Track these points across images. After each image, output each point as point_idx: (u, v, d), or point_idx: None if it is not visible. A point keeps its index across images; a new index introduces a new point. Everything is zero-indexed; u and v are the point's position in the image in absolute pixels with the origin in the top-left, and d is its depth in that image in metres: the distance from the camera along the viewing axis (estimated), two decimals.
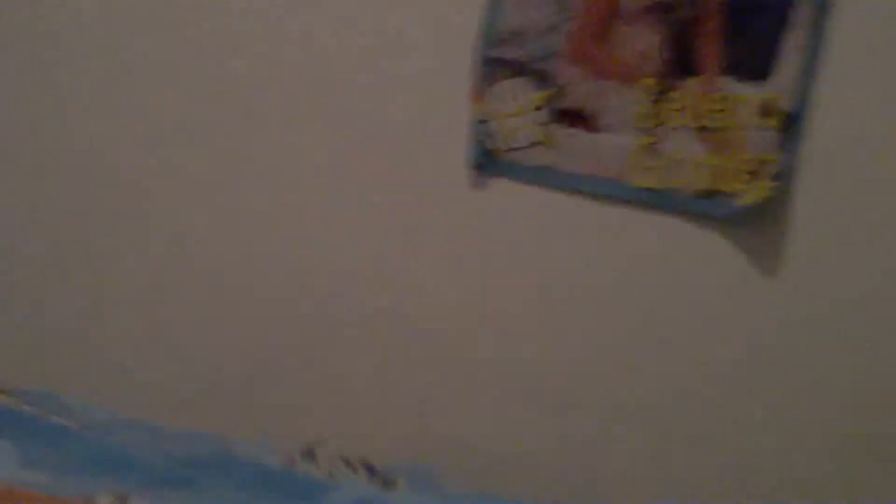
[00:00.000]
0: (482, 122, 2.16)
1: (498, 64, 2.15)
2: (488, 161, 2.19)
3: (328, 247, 2.24)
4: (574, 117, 2.15)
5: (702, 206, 2.14)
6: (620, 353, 2.19)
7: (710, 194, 2.13)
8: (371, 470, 1.74)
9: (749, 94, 2.03)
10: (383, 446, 2.03)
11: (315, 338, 2.23)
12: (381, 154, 2.23)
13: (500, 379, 2.21)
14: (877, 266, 2.09)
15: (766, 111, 2.03)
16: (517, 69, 2.14)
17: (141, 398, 2.21)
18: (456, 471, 2.01)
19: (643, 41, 2.08)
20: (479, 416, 2.21)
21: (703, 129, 2.12)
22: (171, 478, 1.38)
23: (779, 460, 2.11)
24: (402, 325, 2.21)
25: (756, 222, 2.12)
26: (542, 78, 2.13)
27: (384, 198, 2.23)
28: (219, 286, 2.26)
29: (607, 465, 2.18)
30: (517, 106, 2.18)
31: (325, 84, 2.22)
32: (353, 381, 2.22)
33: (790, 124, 2.02)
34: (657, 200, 2.16)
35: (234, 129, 2.26)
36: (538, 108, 2.17)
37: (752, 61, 2.04)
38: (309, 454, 1.72)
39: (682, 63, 2.07)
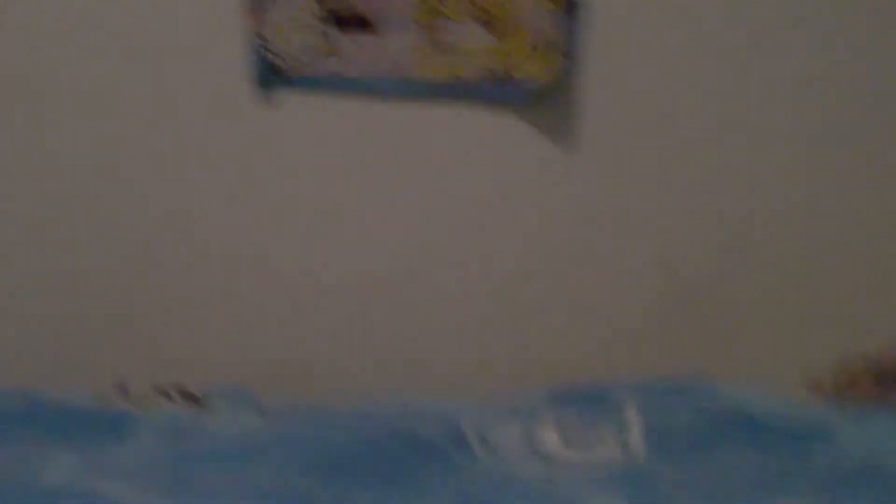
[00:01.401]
0: (261, 37, 2.12)
1: None
2: (273, 76, 2.15)
3: (129, 190, 2.18)
4: (355, 23, 2.13)
5: (493, 93, 2.14)
6: (431, 247, 2.19)
7: (499, 80, 2.13)
8: (188, 396, 1.71)
9: None
10: (203, 374, 1.99)
11: (132, 269, 2.18)
12: (159, 83, 2.17)
13: (311, 296, 2.19)
14: (667, 136, 2.13)
15: None
16: None
17: None
18: (279, 391, 1.99)
19: None
20: (299, 334, 2.19)
21: (485, 16, 2.11)
22: None
23: (584, 331, 2.15)
24: (221, 251, 2.17)
25: (548, 103, 2.14)
26: None
27: (168, 127, 2.17)
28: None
29: (433, 359, 2.19)
30: (295, 17, 2.14)
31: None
32: (164, 309, 2.18)
33: (572, 4, 2.03)
34: (448, 92, 2.15)
35: None
36: (318, 18, 2.13)
37: None
38: (122, 390, 1.69)
39: None
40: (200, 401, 1.66)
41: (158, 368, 1.88)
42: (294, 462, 1.09)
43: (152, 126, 2.17)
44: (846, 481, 1.25)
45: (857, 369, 2.06)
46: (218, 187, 2.17)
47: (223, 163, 2.16)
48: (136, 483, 1.00)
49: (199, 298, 2.18)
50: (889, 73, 2.13)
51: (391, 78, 2.13)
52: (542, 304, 2.18)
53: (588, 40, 2.06)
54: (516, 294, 2.17)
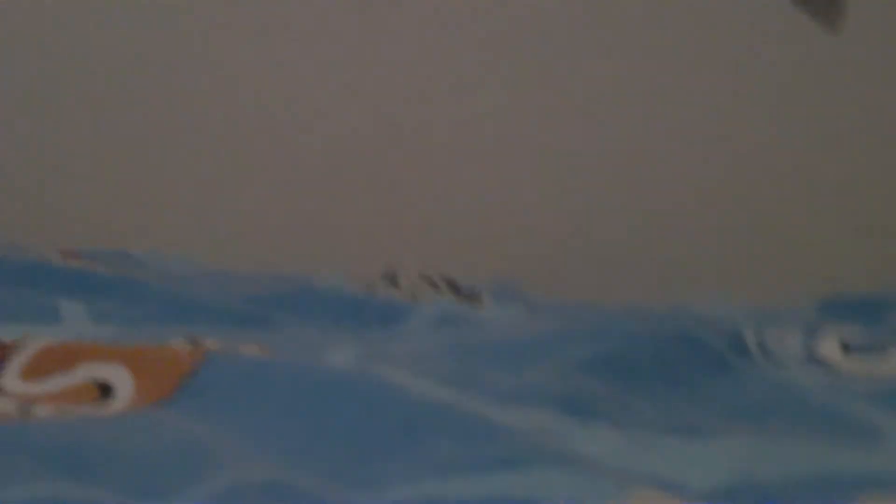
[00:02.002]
0: None
1: None
2: None
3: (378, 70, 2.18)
4: None
5: None
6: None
7: None
8: (455, 287, 1.72)
9: None
10: (467, 263, 2.01)
11: (379, 158, 2.20)
12: None
13: (570, 175, 2.16)
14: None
15: None
16: None
17: (215, 247, 2.20)
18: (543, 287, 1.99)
19: None
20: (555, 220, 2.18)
21: None
22: (246, 317, 1.37)
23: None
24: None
25: None
26: None
27: None
28: (272, 127, 2.22)
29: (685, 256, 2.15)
30: None
31: None
32: (424, 197, 2.19)
33: None
34: None
35: None
36: None
37: None
38: (390, 278, 1.71)
39: None
40: (468, 293, 1.67)
41: (426, 258, 1.90)
42: (572, 360, 1.07)
43: None
44: None
45: None
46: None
47: None
48: (419, 371, 1.00)
49: (455, 186, 2.19)
50: None
51: None
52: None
53: None
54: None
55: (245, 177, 2.25)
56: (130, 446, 0.81)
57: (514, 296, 1.66)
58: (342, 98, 2.22)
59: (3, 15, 2.18)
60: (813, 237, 2.15)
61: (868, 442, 1.02)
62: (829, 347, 1.29)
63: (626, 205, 2.20)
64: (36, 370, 0.95)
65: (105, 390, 0.92)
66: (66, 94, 2.27)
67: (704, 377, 1.16)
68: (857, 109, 2.13)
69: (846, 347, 1.29)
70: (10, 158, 2.22)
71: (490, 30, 2.19)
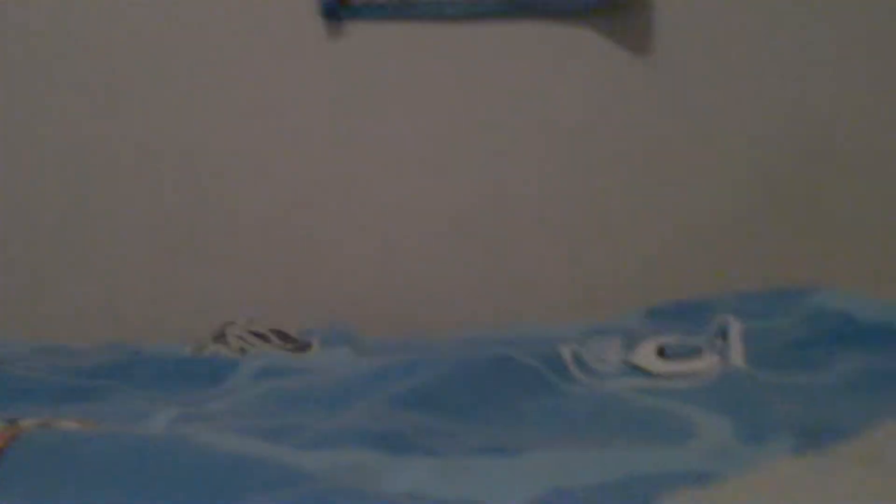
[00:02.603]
0: None
1: None
2: (338, 6, 2.13)
3: (200, 133, 2.18)
4: None
5: (561, 3, 2.11)
6: (513, 169, 2.17)
7: None
8: (284, 337, 1.72)
9: None
10: (299, 315, 2.01)
11: (202, 220, 2.19)
12: (229, 18, 2.16)
13: (389, 224, 2.18)
14: (745, 41, 2.08)
15: None
16: None
17: (56, 323, 2.17)
18: (378, 328, 2.00)
19: None
20: (392, 269, 2.20)
21: None
22: (72, 392, 1.35)
23: (672, 238, 2.12)
24: (278, 190, 2.17)
25: (622, 10, 2.10)
26: None
27: (240, 63, 2.17)
28: (97, 202, 2.20)
29: (529, 280, 2.18)
30: None
31: None
32: (256, 254, 2.19)
33: None
34: (521, 6, 2.12)
35: None
36: None
37: None
38: (219, 337, 1.70)
39: None
40: (298, 341, 1.67)
41: (255, 312, 1.89)
42: (389, 396, 1.08)
43: (220, 63, 2.16)
44: None
45: None
46: (289, 120, 2.17)
47: (294, 96, 2.15)
48: (234, 427, 1.00)
49: (283, 236, 2.19)
50: None
51: None
52: (631, 221, 2.15)
53: None
54: (604, 211, 2.15)
55: (76, 254, 2.23)
56: None
57: (345, 339, 1.66)
58: (158, 170, 2.21)
59: None
60: (636, 245, 2.19)
61: (682, 439, 1.04)
62: (645, 355, 1.32)
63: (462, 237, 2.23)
64: None
65: None
66: None
67: (521, 397, 1.18)
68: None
69: (662, 353, 1.32)
70: None
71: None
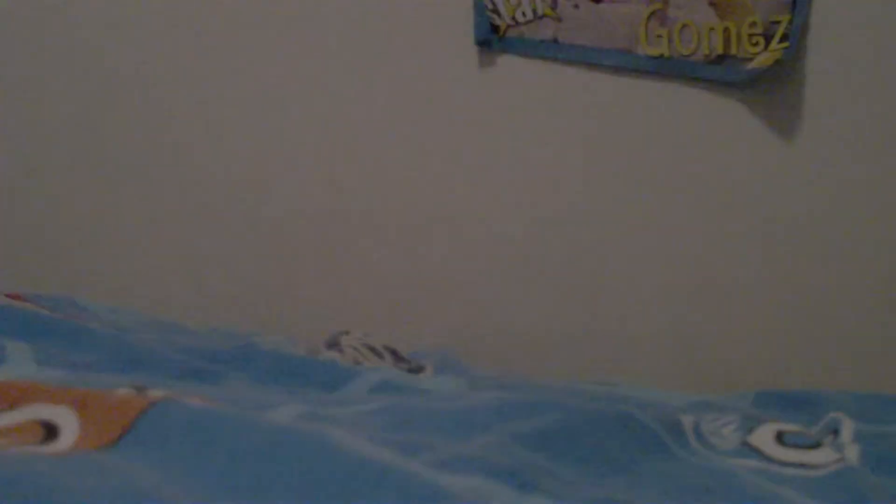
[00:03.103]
0: None
1: None
2: (494, 37, 2.16)
3: (342, 139, 2.21)
4: None
5: (713, 72, 2.12)
6: (636, 227, 2.17)
7: (720, 59, 2.10)
8: (397, 356, 1.73)
9: None
10: (410, 335, 2.03)
11: (337, 229, 2.22)
12: (384, 37, 2.19)
13: (520, 259, 2.19)
14: (891, 131, 2.07)
15: None
16: None
17: (163, 301, 2.21)
18: (482, 357, 2.01)
19: None
20: (504, 298, 2.20)
21: None
22: (191, 371, 1.37)
23: (803, 326, 2.10)
24: (417, 208, 2.20)
25: (770, 85, 2.10)
26: None
27: (391, 80, 2.20)
28: (230, 185, 2.24)
29: (629, 342, 2.17)
30: None
31: None
32: (377, 269, 2.21)
33: None
34: (667, 68, 2.13)
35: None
36: None
37: None
38: (334, 344, 1.71)
39: None
40: (411, 363, 1.67)
41: (366, 327, 1.91)
42: (513, 432, 1.08)
43: (373, 84, 2.20)
44: None
45: None
46: (431, 140, 2.19)
47: (442, 120, 2.17)
48: (360, 433, 1.01)
49: (417, 263, 2.21)
50: None
51: (611, 49, 2.12)
52: (756, 304, 2.14)
53: (814, 25, 2.00)
54: (727, 290, 2.14)
55: (197, 237, 2.26)
56: (71, 487, 0.81)
57: (455, 368, 1.67)
58: (295, 169, 2.25)
59: None
60: (756, 329, 2.18)
61: None
62: (764, 437, 1.31)
63: (570, 288, 2.23)
64: None
65: (50, 431, 0.91)
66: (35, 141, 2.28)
67: (641, 457, 1.17)
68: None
69: (781, 438, 1.31)
70: None
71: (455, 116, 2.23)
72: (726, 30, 2.15)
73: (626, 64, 2.20)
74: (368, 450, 0.95)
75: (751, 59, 2.12)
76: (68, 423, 0.92)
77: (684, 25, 2.17)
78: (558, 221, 2.22)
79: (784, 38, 2.08)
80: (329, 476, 0.88)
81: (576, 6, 2.20)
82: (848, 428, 1.48)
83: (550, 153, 2.23)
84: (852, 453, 1.35)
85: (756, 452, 1.28)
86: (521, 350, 2.19)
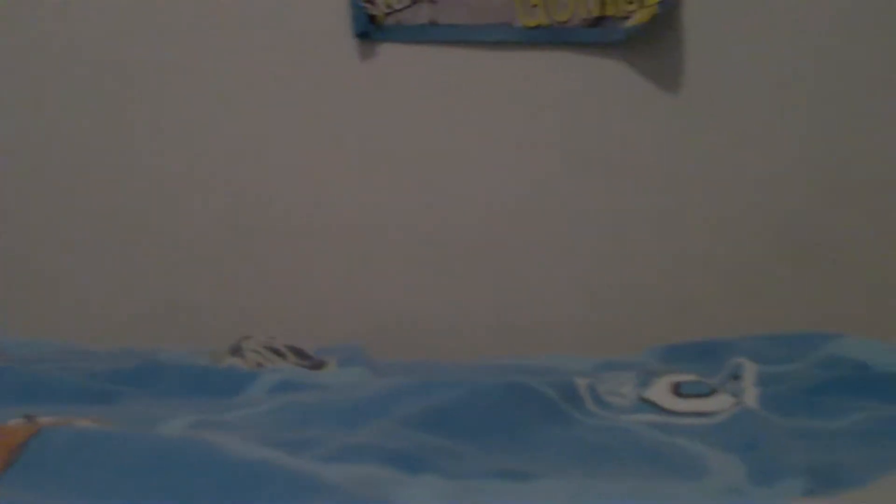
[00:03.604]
0: None
1: None
2: (371, 27, 2.15)
3: (239, 145, 2.20)
4: None
5: (592, 35, 2.13)
6: (533, 195, 2.18)
7: (598, 22, 2.11)
8: (301, 354, 1.73)
9: None
10: (319, 333, 2.02)
11: (231, 235, 2.20)
12: (265, 39, 2.18)
13: (418, 248, 2.19)
14: (776, 79, 2.09)
15: None
16: None
17: (75, 324, 2.18)
18: (395, 347, 2.01)
19: None
20: (409, 289, 2.20)
21: None
22: (89, 394, 1.36)
23: (689, 277, 2.13)
24: (309, 207, 2.19)
25: (649, 41, 2.11)
26: None
27: (274, 81, 2.19)
28: (128, 196, 2.21)
29: (546, 314, 2.19)
30: None
31: None
32: (276, 270, 2.20)
33: None
34: (547, 37, 2.14)
35: None
36: None
37: None
38: (236, 350, 1.71)
39: None
40: (314, 359, 1.67)
41: (272, 329, 1.90)
42: (403, 416, 1.09)
43: (256, 87, 2.18)
44: None
45: None
46: (320, 139, 2.18)
47: (325, 114, 2.16)
48: (249, 436, 1.01)
49: (306, 253, 2.20)
50: None
51: (489, 24, 2.12)
52: (649, 257, 2.16)
53: None
54: (622, 245, 2.16)
55: (99, 255, 2.24)
56: None
57: (360, 360, 1.67)
58: (192, 177, 2.23)
59: None
60: (649, 281, 2.20)
61: (694, 476, 1.05)
62: (659, 391, 1.33)
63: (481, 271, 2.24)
64: None
65: None
66: None
67: (536, 425, 1.18)
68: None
69: (677, 391, 1.32)
70: None
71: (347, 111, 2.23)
72: None
73: (506, 37, 2.20)
74: (253, 452, 0.95)
75: (627, 18, 2.14)
76: None
77: None
78: (454, 202, 2.22)
79: None
80: (212, 481, 0.88)
81: None
82: (750, 371, 1.50)
83: (439, 135, 2.23)
84: (751, 396, 1.36)
85: (653, 406, 1.29)
86: (436, 341, 2.19)
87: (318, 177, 2.20)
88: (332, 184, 2.20)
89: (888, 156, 2.17)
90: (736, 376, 1.49)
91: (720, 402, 1.26)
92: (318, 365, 1.65)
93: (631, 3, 2.13)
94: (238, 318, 2.16)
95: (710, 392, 1.29)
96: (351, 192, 2.20)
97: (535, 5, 2.18)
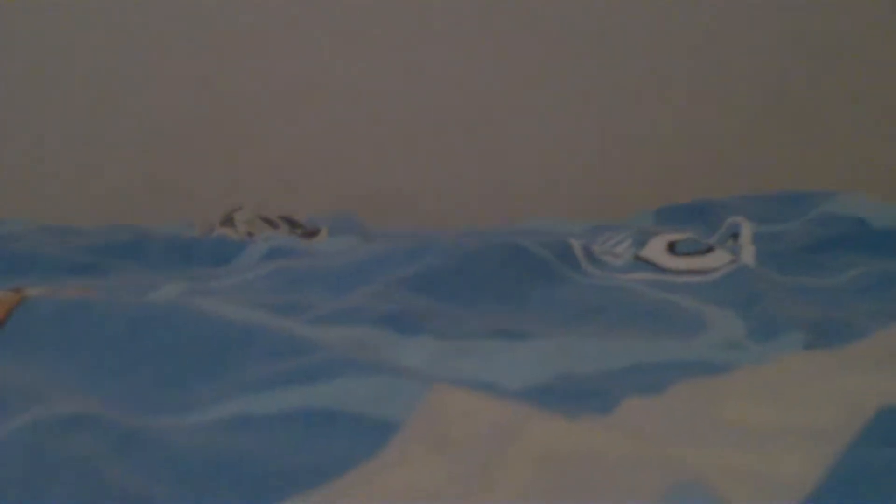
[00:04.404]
0: None
1: None
2: None
3: (230, 20, 2.15)
4: None
5: None
6: (518, 75, 2.15)
7: None
8: (293, 224, 1.71)
9: None
10: (319, 203, 2.01)
11: (227, 109, 2.17)
12: None
13: (408, 116, 2.16)
14: None
15: None
16: None
17: (59, 203, 2.16)
18: (384, 216, 2.00)
19: None
20: (399, 157, 2.18)
21: None
22: (79, 267, 1.35)
23: (678, 143, 2.11)
24: (310, 88, 2.15)
25: None
26: None
27: None
28: (117, 76, 2.17)
29: (535, 181, 2.17)
30: None
31: None
32: (272, 146, 2.17)
33: None
34: None
35: None
36: None
37: None
38: (227, 221, 1.69)
39: None
40: (306, 228, 1.66)
41: (263, 199, 1.88)
42: (396, 279, 1.07)
43: None
44: None
45: None
46: (308, 13, 2.13)
47: None
48: (239, 301, 0.99)
49: (295, 127, 2.17)
50: None
51: None
52: (638, 125, 2.13)
53: None
54: (609, 114, 2.13)
55: (89, 136, 2.20)
56: None
57: (352, 228, 1.65)
58: (172, 53, 2.19)
59: None
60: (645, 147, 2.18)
61: (692, 332, 1.03)
62: (655, 250, 1.31)
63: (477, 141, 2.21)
64: None
65: None
66: None
67: (531, 285, 1.17)
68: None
69: (673, 249, 1.31)
70: None
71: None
72: None
73: None
74: (240, 315, 0.93)
75: None
76: None
77: None
78: (443, 78, 2.19)
79: None
80: (196, 345, 0.86)
81: None
82: (747, 230, 1.49)
83: (436, 5, 2.19)
84: (748, 254, 1.35)
85: (649, 265, 1.27)
86: (427, 208, 2.18)
87: (305, 42, 2.16)
88: (321, 51, 2.16)
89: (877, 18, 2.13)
90: (732, 236, 1.47)
91: (717, 259, 1.24)
92: (310, 234, 1.63)
93: None
94: (221, 191, 2.13)
95: (707, 249, 1.27)
96: (339, 60, 2.16)
97: None
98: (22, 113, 2.13)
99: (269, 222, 1.69)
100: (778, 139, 2.12)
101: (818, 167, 2.10)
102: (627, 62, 2.13)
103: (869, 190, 1.75)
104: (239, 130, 2.16)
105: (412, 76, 2.16)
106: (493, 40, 2.15)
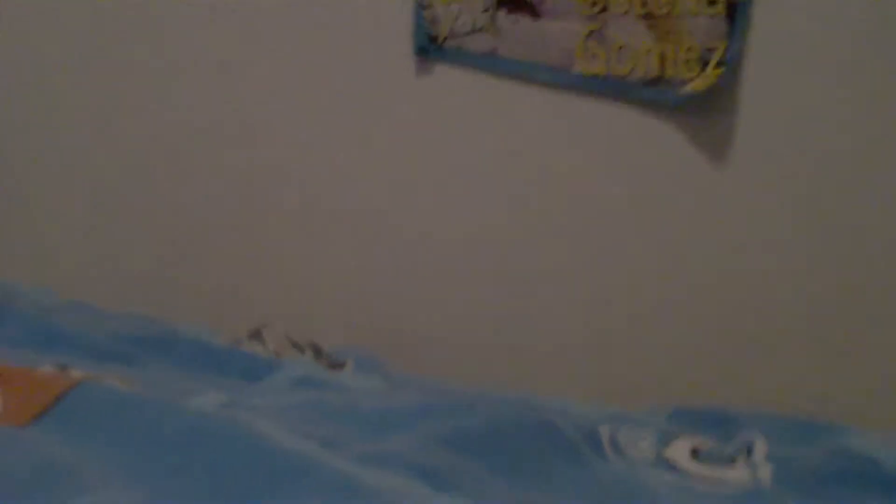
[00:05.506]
0: (424, 6, 2.12)
1: None
2: (432, 47, 2.16)
3: (276, 136, 2.20)
4: (518, 3, 2.13)
5: (648, 94, 2.13)
6: (561, 242, 2.18)
7: (656, 81, 2.11)
8: (318, 352, 1.73)
9: None
10: (330, 331, 2.02)
11: (261, 222, 2.21)
12: (325, 45, 2.19)
13: (446, 262, 2.19)
14: (824, 152, 2.09)
15: None
16: None
17: (81, 283, 2.18)
18: (395, 357, 2.02)
19: None
20: (426, 301, 2.21)
21: (648, 15, 2.10)
22: (113, 353, 1.36)
23: (702, 341, 2.13)
24: (349, 211, 2.19)
25: (704, 110, 2.11)
26: None
27: (331, 89, 2.19)
28: (146, 169, 2.21)
29: (549, 346, 2.19)
30: None
31: None
32: (300, 265, 2.20)
33: (736, 10, 2.00)
34: (603, 87, 2.14)
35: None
36: None
37: None
38: (256, 335, 1.71)
39: None
40: (332, 359, 1.67)
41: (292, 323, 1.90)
42: (434, 433, 1.09)
43: (312, 90, 2.19)
44: None
45: None
46: (367, 150, 2.19)
47: (378, 126, 2.17)
48: (281, 425, 1.01)
49: (335, 259, 2.20)
50: None
51: (546, 64, 2.12)
52: (675, 319, 2.15)
53: (750, 53, 2.02)
54: (648, 307, 2.16)
55: (120, 220, 2.24)
56: None
57: (375, 367, 1.67)
58: (218, 156, 2.24)
59: None
60: (672, 345, 2.20)
61: None
62: (679, 452, 1.33)
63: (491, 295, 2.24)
64: None
65: None
66: None
67: (558, 463, 1.18)
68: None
69: (696, 454, 1.32)
70: None
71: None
72: (663, 53, 2.17)
73: (562, 81, 2.20)
74: (290, 442, 0.95)
75: (686, 83, 2.14)
76: None
77: (622, 46, 2.18)
78: (485, 231, 2.23)
79: (720, 63, 2.10)
80: (251, 464, 0.88)
81: (515, 21, 2.21)
82: (761, 447, 1.50)
83: (481, 164, 2.23)
84: (765, 472, 1.36)
85: (672, 466, 1.29)
86: (434, 353, 2.20)
87: (345, 171, 2.21)
88: (369, 186, 2.20)
89: None
90: (747, 449, 1.49)
91: (738, 474, 1.26)
92: (335, 365, 1.65)
93: (691, 69, 2.13)
94: (236, 301, 2.16)
95: (729, 461, 1.29)
96: (393, 197, 2.20)
97: (595, 54, 2.18)
98: (47, 188, 2.17)
99: (297, 346, 1.71)
100: (805, 349, 2.14)
101: (841, 387, 2.12)
102: (671, 253, 2.16)
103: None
104: (263, 248, 2.19)
105: (441, 225, 2.20)
106: (528, 201, 2.19)
